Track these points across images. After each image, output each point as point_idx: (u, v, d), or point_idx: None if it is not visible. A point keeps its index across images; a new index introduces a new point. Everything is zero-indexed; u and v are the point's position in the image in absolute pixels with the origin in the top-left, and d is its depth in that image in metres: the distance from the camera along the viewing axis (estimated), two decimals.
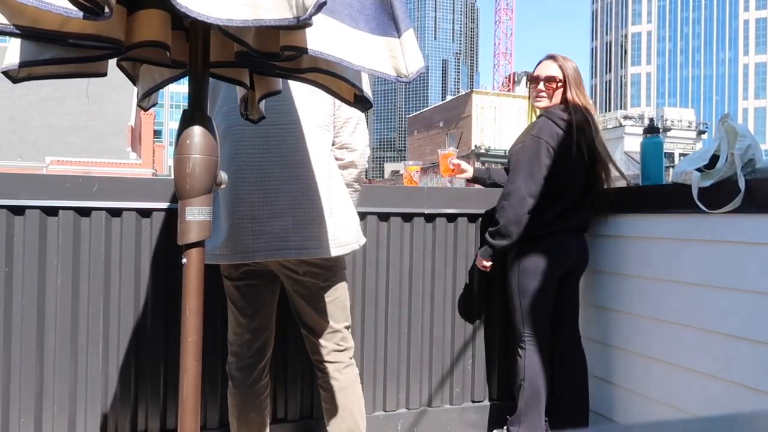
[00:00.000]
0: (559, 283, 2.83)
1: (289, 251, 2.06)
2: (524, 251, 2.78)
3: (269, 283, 2.26)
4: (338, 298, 2.25)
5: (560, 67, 2.84)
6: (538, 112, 2.93)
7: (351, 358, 2.30)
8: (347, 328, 2.30)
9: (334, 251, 2.12)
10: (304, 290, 2.20)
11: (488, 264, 2.88)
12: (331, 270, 2.21)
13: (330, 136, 2.22)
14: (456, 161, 3.21)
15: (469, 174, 3.23)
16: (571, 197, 2.78)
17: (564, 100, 2.82)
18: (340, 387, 2.25)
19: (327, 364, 2.26)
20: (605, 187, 2.85)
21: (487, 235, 2.83)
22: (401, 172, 3.36)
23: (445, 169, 3.21)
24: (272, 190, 2.08)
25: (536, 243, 2.76)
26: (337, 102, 2.19)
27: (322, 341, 2.25)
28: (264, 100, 1.90)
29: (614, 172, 2.90)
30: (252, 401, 2.28)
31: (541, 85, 2.87)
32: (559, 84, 2.83)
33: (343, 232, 2.16)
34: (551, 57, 2.89)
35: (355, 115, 2.25)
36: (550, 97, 2.86)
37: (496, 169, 3.31)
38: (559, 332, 2.90)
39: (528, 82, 3.05)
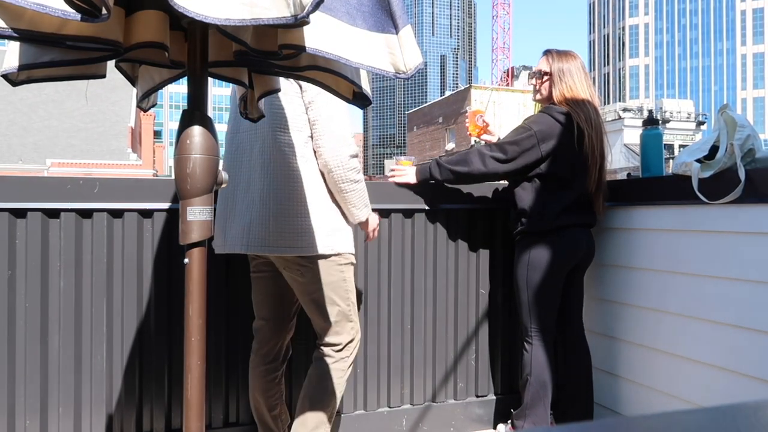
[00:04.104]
0: (566, 277, 2.83)
1: (246, 247, 2.23)
2: (533, 246, 2.77)
3: (274, 276, 2.44)
4: (317, 296, 2.33)
5: (549, 61, 2.86)
6: (539, 108, 2.94)
7: (337, 352, 2.38)
8: (341, 323, 2.37)
9: (293, 251, 2.21)
10: (292, 283, 2.37)
11: (408, 180, 3.00)
12: (305, 267, 2.29)
13: (300, 136, 2.24)
14: (486, 120, 3.17)
15: (492, 140, 3.13)
16: (576, 191, 2.77)
17: (552, 94, 2.83)
18: (307, 376, 2.41)
19: (316, 351, 2.43)
20: (597, 182, 2.83)
21: (438, 165, 2.90)
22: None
23: (474, 126, 3.14)
24: (239, 192, 2.28)
25: (546, 238, 2.75)
26: (307, 101, 2.23)
27: (319, 333, 2.42)
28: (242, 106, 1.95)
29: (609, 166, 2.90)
30: (256, 382, 2.48)
31: (534, 80, 2.95)
32: (546, 77, 2.86)
33: (307, 235, 2.22)
34: (546, 52, 2.92)
35: (323, 114, 2.22)
36: (540, 91, 2.91)
37: None
38: (562, 325, 2.90)
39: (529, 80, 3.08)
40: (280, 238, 2.19)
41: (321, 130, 2.22)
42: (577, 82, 2.79)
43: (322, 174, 2.26)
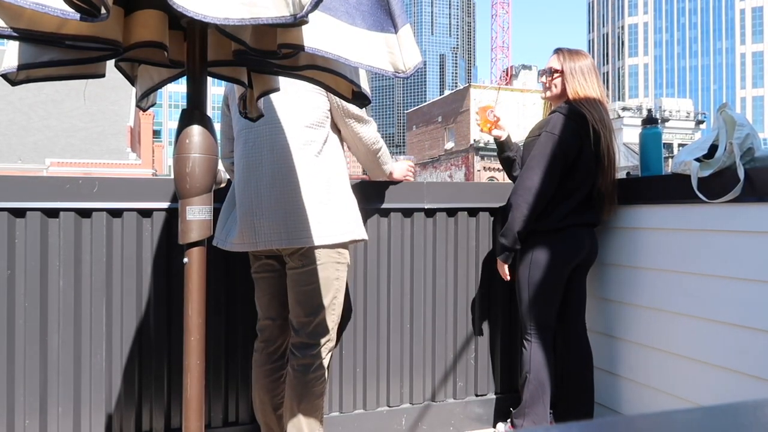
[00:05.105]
0: (569, 276, 2.83)
1: (287, 241, 2.25)
2: (537, 244, 2.76)
3: (279, 276, 2.44)
4: (310, 288, 2.33)
5: (560, 59, 2.86)
6: (552, 107, 2.93)
7: (315, 356, 2.35)
8: (321, 323, 2.36)
9: (319, 240, 2.25)
10: (290, 274, 2.36)
11: (507, 270, 2.83)
12: (309, 257, 2.31)
13: (322, 131, 2.35)
14: (497, 114, 3.10)
15: (503, 135, 3.10)
16: (584, 192, 2.78)
17: (564, 91, 2.83)
18: (291, 385, 2.36)
19: (290, 355, 2.40)
20: (611, 182, 2.83)
21: (503, 239, 2.77)
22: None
23: (485, 121, 3.09)
24: (264, 188, 2.27)
25: (550, 237, 2.75)
26: (335, 98, 2.31)
27: (296, 327, 2.38)
28: (262, 100, 1.94)
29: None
30: (261, 381, 2.47)
31: (544, 77, 2.93)
32: (556, 75, 2.85)
33: (333, 224, 2.29)
34: (556, 50, 2.91)
35: (354, 110, 2.42)
36: (550, 88, 2.90)
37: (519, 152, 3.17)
38: (565, 324, 2.89)
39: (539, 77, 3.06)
40: (319, 228, 2.25)
41: (357, 123, 2.45)
42: (588, 81, 2.79)
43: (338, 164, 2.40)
